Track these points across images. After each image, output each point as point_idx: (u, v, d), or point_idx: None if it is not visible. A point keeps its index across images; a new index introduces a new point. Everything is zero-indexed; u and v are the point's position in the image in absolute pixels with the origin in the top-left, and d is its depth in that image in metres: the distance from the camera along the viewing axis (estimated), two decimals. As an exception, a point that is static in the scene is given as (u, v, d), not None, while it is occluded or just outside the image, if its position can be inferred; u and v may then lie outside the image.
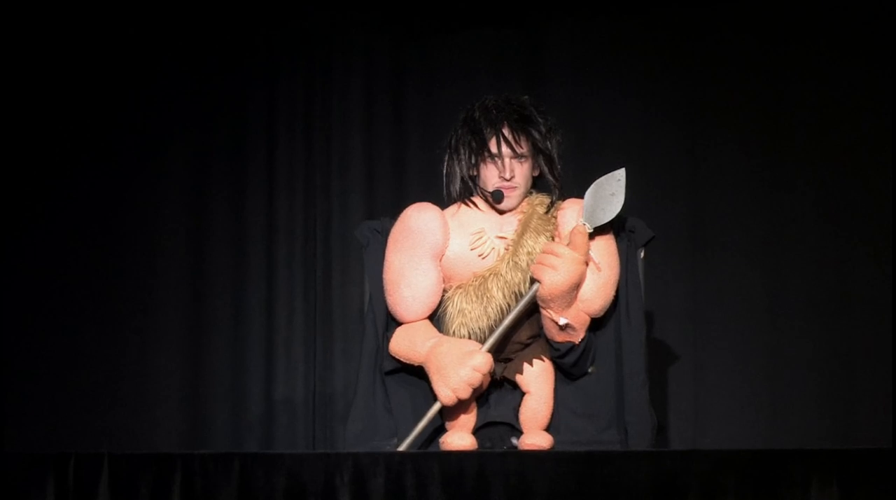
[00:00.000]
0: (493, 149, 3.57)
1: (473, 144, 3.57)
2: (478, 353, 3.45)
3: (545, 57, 5.01)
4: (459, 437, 3.48)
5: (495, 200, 3.58)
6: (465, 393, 3.44)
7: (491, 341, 3.49)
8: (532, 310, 3.56)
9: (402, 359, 3.57)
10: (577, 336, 3.52)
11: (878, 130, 4.68)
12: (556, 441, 3.49)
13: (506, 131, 3.56)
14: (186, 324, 5.10)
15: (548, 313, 3.49)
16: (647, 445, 3.50)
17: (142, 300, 5.10)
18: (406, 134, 5.10)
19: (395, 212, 3.68)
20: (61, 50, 5.10)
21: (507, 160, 3.57)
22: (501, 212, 3.62)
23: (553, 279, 3.45)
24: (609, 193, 3.52)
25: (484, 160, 3.58)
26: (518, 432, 3.53)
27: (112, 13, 5.09)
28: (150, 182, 5.13)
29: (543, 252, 3.50)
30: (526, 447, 3.47)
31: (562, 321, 3.48)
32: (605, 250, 3.54)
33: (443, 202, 3.65)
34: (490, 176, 3.59)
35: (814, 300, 4.74)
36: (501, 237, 3.59)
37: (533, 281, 3.50)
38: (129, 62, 5.13)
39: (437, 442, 3.52)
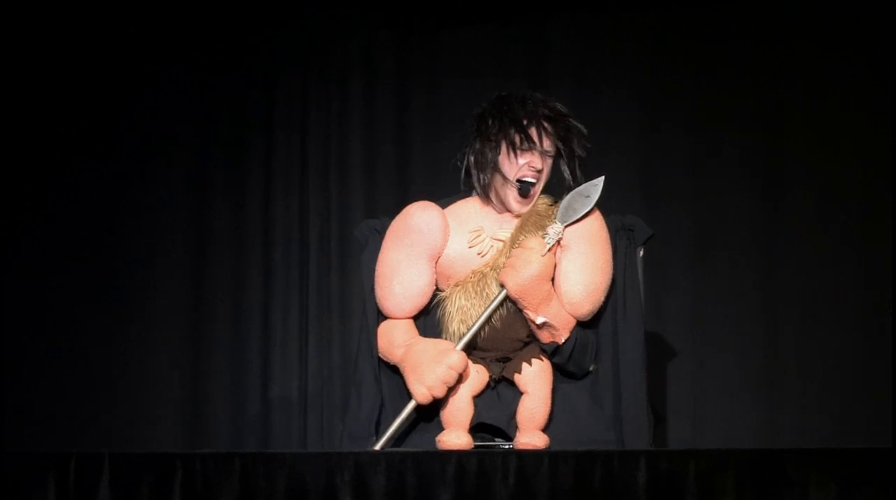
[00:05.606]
0: (535, 138, 3.56)
1: (512, 134, 3.55)
2: (453, 351, 3.48)
3: (547, 55, 5.01)
4: (456, 436, 3.49)
5: (522, 193, 3.58)
6: (441, 391, 3.47)
7: (465, 340, 3.52)
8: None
9: (381, 356, 3.60)
10: (560, 336, 3.54)
11: (878, 131, 4.69)
12: (554, 440, 3.49)
13: (546, 125, 3.57)
14: (186, 324, 5.10)
15: (526, 313, 3.52)
16: (645, 443, 3.51)
17: (140, 300, 5.10)
18: (406, 133, 5.09)
19: (394, 212, 3.68)
20: (61, 50, 5.10)
21: (537, 154, 3.58)
22: (503, 211, 3.62)
23: (514, 279, 3.49)
24: (584, 195, 3.58)
25: (515, 152, 3.57)
26: (510, 438, 3.54)
27: (112, 13, 5.09)
28: (149, 182, 5.13)
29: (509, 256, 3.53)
30: (521, 447, 3.48)
31: (539, 320, 3.51)
32: (601, 257, 3.56)
33: (441, 200, 3.66)
34: (514, 168, 3.58)
35: (813, 300, 4.74)
36: (498, 240, 3.60)
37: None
38: (129, 62, 5.13)
39: (434, 441, 3.52)
